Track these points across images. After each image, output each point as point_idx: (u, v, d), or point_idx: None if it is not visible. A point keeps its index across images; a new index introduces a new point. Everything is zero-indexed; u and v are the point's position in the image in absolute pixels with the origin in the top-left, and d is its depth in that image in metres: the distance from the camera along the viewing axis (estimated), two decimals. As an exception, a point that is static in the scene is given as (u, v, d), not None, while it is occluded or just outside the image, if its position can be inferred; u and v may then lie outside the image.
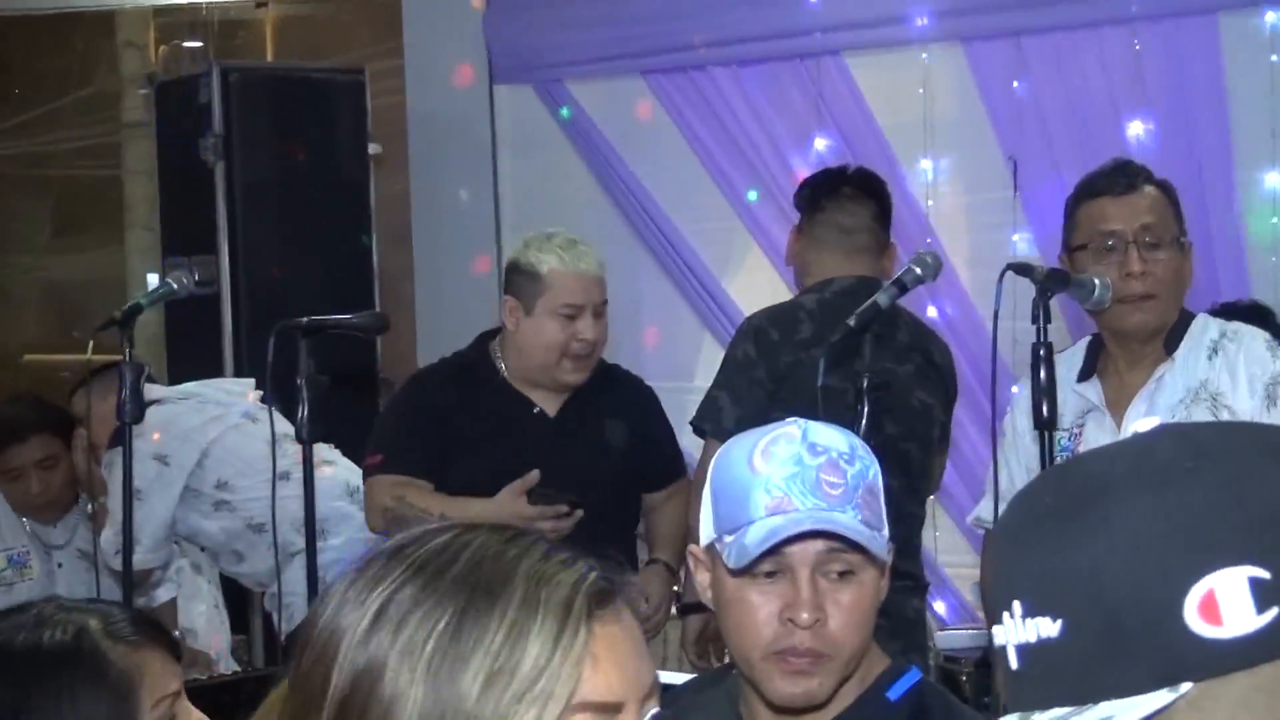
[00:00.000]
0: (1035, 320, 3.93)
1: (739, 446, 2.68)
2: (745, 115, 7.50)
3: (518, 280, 5.32)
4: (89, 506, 5.94)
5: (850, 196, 5.39)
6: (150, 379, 5.72)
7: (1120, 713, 1.31)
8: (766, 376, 5.14)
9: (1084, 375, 4.35)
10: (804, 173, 7.34)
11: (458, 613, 1.65)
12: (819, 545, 2.62)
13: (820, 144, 7.36)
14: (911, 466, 5.20)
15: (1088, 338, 4.45)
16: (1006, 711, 1.40)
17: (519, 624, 1.64)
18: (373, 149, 7.97)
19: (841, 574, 2.66)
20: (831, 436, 2.65)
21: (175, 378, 7.63)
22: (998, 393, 4.09)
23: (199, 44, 12.02)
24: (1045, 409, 3.89)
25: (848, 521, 2.60)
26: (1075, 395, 4.32)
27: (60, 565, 6.20)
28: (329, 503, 5.69)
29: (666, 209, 7.79)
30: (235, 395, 6.07)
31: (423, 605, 1.66)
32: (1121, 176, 4.37)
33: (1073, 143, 6.78)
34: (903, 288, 4.20)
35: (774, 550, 2.60)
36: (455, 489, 5.17)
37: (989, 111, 7.02)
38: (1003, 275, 3.94)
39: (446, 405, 5.31)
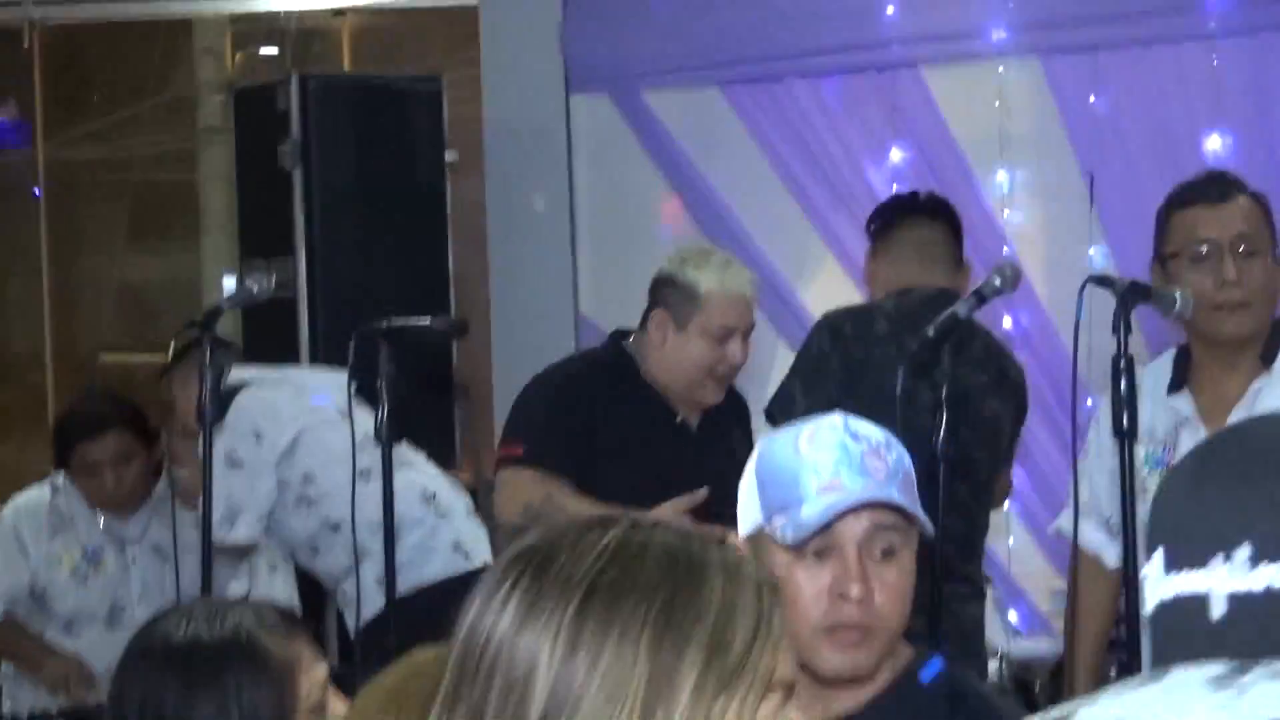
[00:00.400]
0: (1116, 332, 3.93)
1: (782, 437, 2.83)
2: (821, 126, 7.51)
3: (671, 295, 5.26)
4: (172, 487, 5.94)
5: (926, 214, 5.56)
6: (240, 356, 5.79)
7: None
8: (839, 368, 5.29)
9: (1174, 387, 4.34)
10: (879, 184, 7.36)
11: (670, 594, 1.71)
12: (865, 524, 2.73)
13: (896, 155, 7.37)
14: (980, 474, 5.29)
15: (1173, 350, 4.44)
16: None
17: (729, 606, 1.72)
18: (449, 156, 8.01)
19: (885, 552, 2.76)
20: (868, 428, 2.79)
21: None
22: (1078, 405, 4.09)
23: (275, 51, 12.09)
24: (1125, 420, 3.89)
25: (895, 497, 2.72)
26: (1166, 408, 4.30)
27: (134, 560, 6.24)
28: (403, 507, 5.73)
29: (742, 219, 7.79)
30: (328, 387, 6.06)
31: (632, 589, 1.71)
32: (1216, 185, 4.38)
33: (1150, 158, 6.78)
34: (982, 299, 4.21)
35: (823, 529, 2.70)
36: (593, 492, 5.13)
37: (1066, 126, 7.01)
38: (1084, 287, 3.95)
39: (594, 406, 5.28)
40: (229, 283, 9.70)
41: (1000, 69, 7.20)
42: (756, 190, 7.79)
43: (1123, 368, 3.91)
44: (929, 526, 2.79)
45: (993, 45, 7.17)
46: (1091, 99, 6.95)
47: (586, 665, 1.68)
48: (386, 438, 4.87)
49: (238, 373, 5.91)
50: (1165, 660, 1.27)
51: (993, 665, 6.48)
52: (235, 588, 6.16)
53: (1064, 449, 6.72)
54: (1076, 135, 6.97)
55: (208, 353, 5.22)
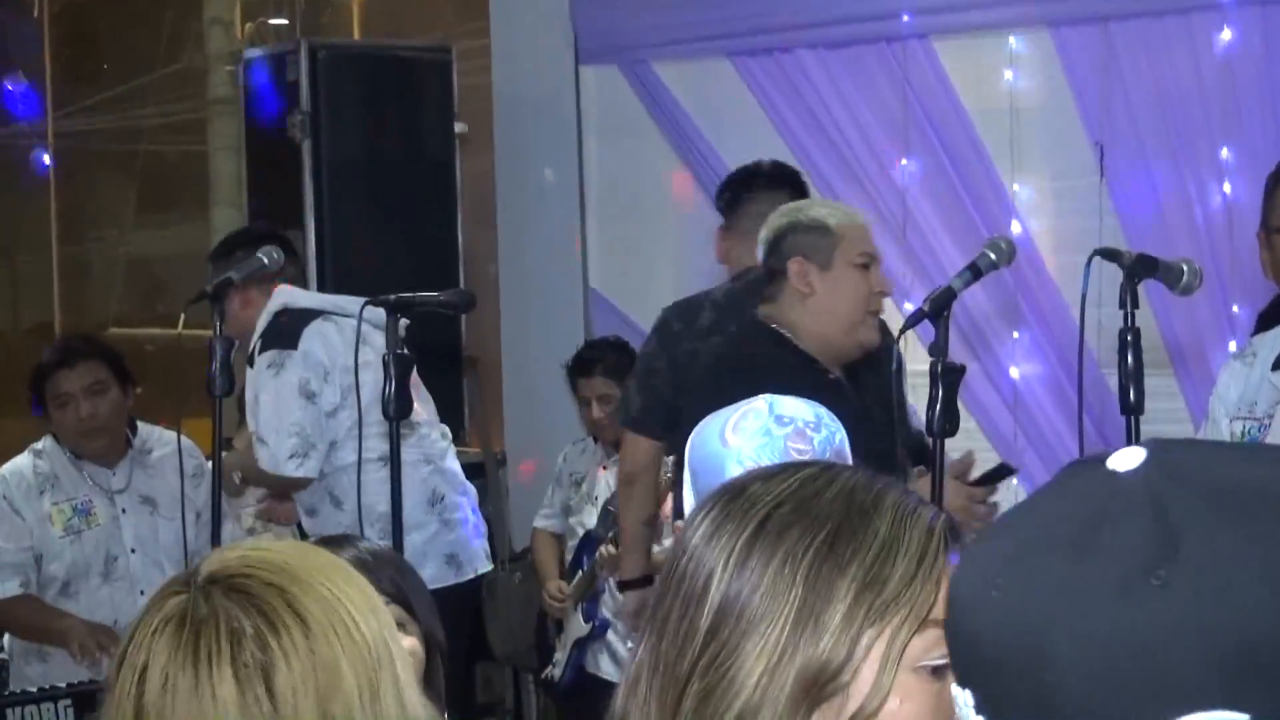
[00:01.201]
0: (1123, 306, 3.92)
1: (711, 424, 2.83)
2: (831, 98, 7.50)
3: (804, 239, 4.86)
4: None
5: (765, 186, 5.65)
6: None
7: None
8: (666, 367, 5.46)
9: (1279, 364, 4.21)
10: (890, 156, 7.35)
11: (835, 529, 1.86)
12: None
13: (905, 127, 7.35)
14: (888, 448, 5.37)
15: None
16: None
17: (891, 543, 1.85)
18: (459, 128, 8.01)
19: None
20: (797, 408, 2.81)
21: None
22: (1084, 377, 4.08)
23: (285, 21, 12.09)
24: (1133, 394, 3.89)
25: None
26: (1269, 384, 4.18)
27: (124, 510, 6.26)
28: (409, 506, 5.75)
29: (751, 191, 7.79)
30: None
31: (801, 521, 1.87)
32: None
33: (1160, 129, 6.75)
34: (977, 272, 4.21)
35: None
36: None
37: (1076, 97, 6.99)
38: (1090, 260, 3.93)
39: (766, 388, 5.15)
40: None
41: (1011, 40, 7.18)
42: (766, 162, 7.78)
43: (1129, 341, 3.91)
44: None
45: (1003, 16, 7.14)
46: (1102, 70, 6.93)
47: (751, 583, 1.84)
48: (395, 412, 4.87)
49: (305, 298, 5.93)
50: None
51: None
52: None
53: (1071, 421, 6.71)
54: (1087, 106, 6.95)
55: (218, 326, 5.23)
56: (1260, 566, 1.17)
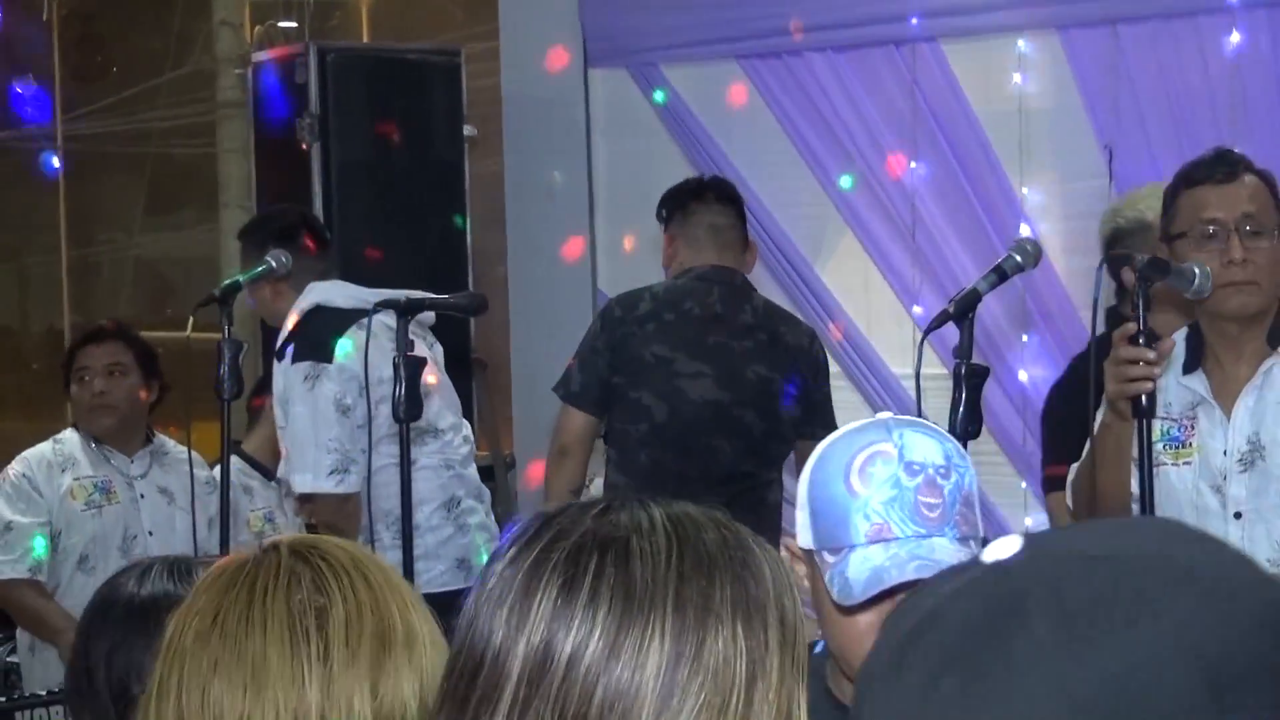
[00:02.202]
0: (1134, 308, 3.92)
1: (835, 461, 2.68)
2: (840, 100, 7.50)
3: (1136, 239, 5.09)
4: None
5: (717, 199, 6.10)
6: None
7: None
8: (604, 347, 5.93)
9: (1189, 367, 4.31)
10: (898, 158, 7.35)
11: (740, 571, 1.63)
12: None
13: (914, 130, 7.35)
14: (751, 431, 5.80)
15: (1184, 329, 4.42)
16: None
17: (778, 575, 1.66)
18: (468, 131, 8.01)
19: None
20: (927, 450, 2.64)
21: (269, 357, 7.69)
22: (1095, 380, 4.08)
23: (294, 24, 12.09)
24: (1144, 399, 3.89)
25: (945, 549, 2.59)
26: (1181, 387, 4.30)
27: (142, 496, 6.33)
28: (426, 509, 5.79)
29: (760, 193, 7.78)
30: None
31: (712, 574, 1.62)
32: (1222, 165, 4.35)
33: (1169, 132, 6.75)
34: (1002, 275, 4.19)
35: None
36: None
37: (1084, 99, 6.98)
38: (1102, 263, 3.93)
39: None
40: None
41: (1019, 43, 7.18)
42: (774, 164, 7.78)
43: (1141, 344, 3.90)
44: (980, 539, 2.67)
45: (1012, 19, 7.14)
46: (1111, 73, 6.92)
47: (690, 664, 1.57)
48: (405, 414, 4.86)
49: (340, 295, 5.89)
50: None
51: None
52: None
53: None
54: (1096, 109, 6.94)
55: (227, 329, 5.23)
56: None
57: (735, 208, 6.15)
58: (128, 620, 2.55)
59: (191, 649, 1.88)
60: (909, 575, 2.55)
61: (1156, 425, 4.20)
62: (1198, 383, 4.30)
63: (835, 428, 5.90)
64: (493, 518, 6.27)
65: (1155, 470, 4.18)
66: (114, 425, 6.30)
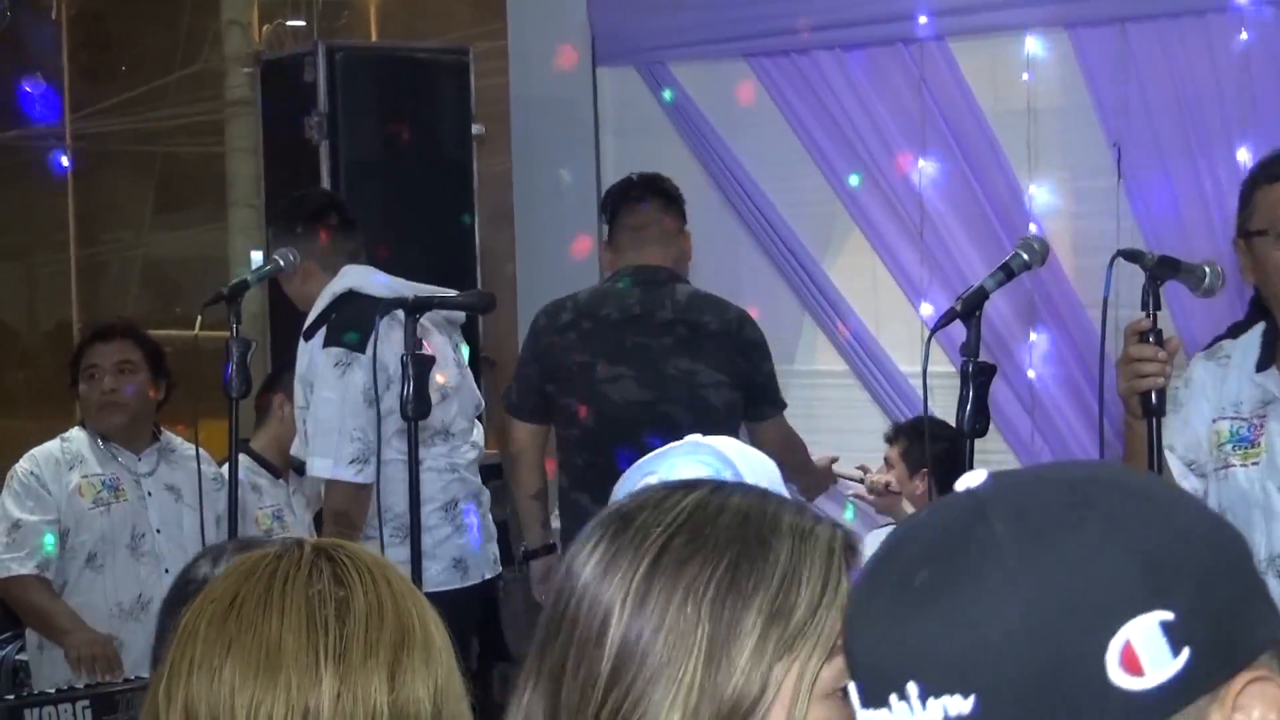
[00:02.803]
0: (1145, 307, 3.91)
1: (622, 489, 2.59)
2: (848, 99, 7.49)
3: None
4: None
5: (636, 198, 6.26)
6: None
7: None
8: (532, 357, 6.21)
9: (1262, 365, 4.21)
10: (907, 156, 7.34)
11: (734, 559, 1.77)
12: None
13: (923, 129, 7.34)
14: (679, 426, 5.61)
15: (1261, 325, 4.34)
16: None
17: (793, 570, 1.78)
18: (476, 129, 8.01)
19: None
20: (692, 475, 2.65)
21: (278, 355, 7.71)
22: (1105, 380, 4.07)
23: (302, 23, 12.10)
24: (1154, 397, 3.88)
25: None
26: (1253, 385, 4.19)
27: (150, 494, 6.34)
28: (425, 510, 5.79)
29: (768, 191, 7.79)
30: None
31: (700, 552, 1.78)
32: None
33: (1178, 131, 6.74)
34: (1010, 273, 4.19)
35: None
36: None
37: (1093, 98, 6.97)
38: (1113, 261, 3.92)
39: None
40: (256, 257, 9.70)
41: (1028, 41, 7.17)
42: (782, 163, 7.77)
43: (1152, 343, 3.90)
44: None
45: (1021, 17, 7.13)
46: (1120, 72, 6.92)
47: (653, 623, 1.75)
48: (413, 412, 4.86)
49: (373, 283, 5.89)
50: None
51: None
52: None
53: (1091, 425, 6.70)
54: (1104, 108, 6.93)
55: (235, 328, 5.23)
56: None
57: (659, 201, 6.29)
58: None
59: (206, 632, 1.88)
60: None
61: (1225, 424, 4.16)
62: (1271, 381, 4.20)
63: (780, 404, 6.14)
64: (490, 518, 6.28)
65: (1224, 472, 4.15)
66: (124, 423, 6.31)
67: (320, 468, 5.74)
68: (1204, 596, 1.30)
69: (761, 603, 1.75)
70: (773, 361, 6.28)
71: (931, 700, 1.29)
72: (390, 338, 5.65)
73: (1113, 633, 1.27)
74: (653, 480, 2.64)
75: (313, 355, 5.80)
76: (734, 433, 6.08)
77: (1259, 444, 4.18)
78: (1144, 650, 1.27)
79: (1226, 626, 1.30)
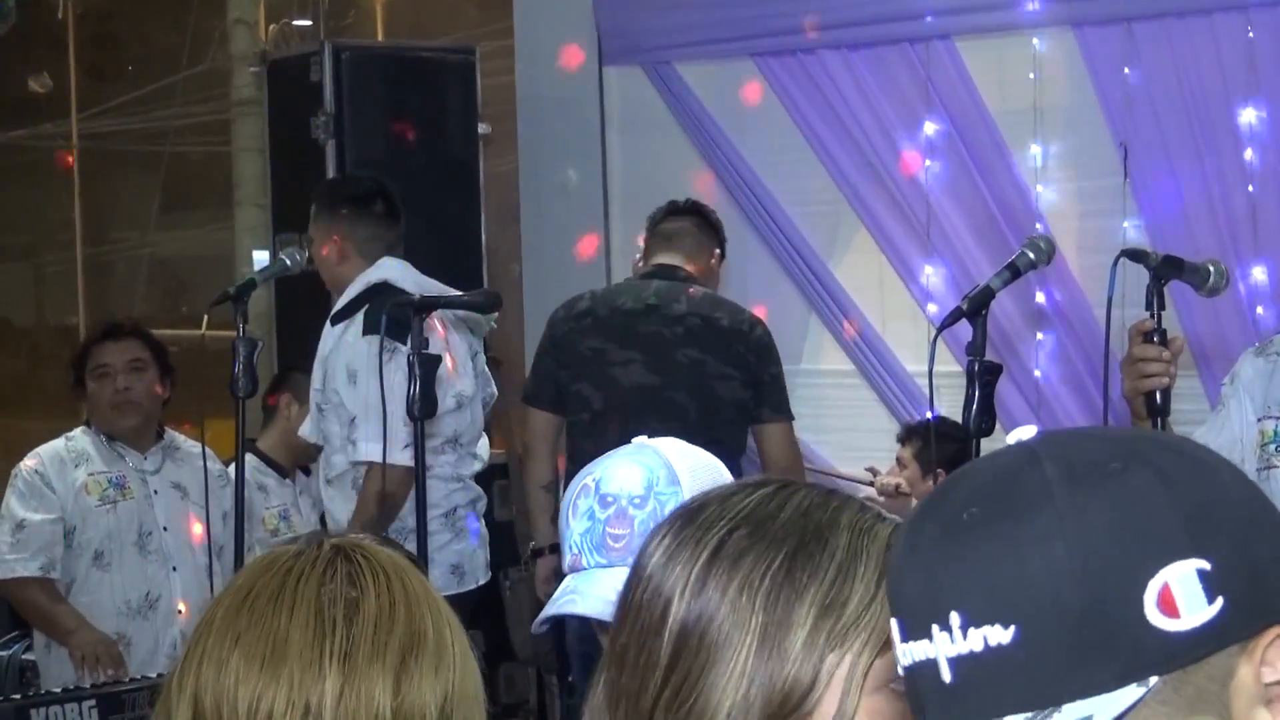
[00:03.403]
0: (1149, 307, 3.91)
1: (568, 495, 2.74)
2: (854, 99, 7.49)
3: None
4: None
5: (675, 211, 6.49)
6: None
7: (1097, 711, 1.32)
8: (550, 346, 6.32)
9: None
10: (913, 157, 7.34)
11: (791, 552, 1.82)
12: None
13: (929, 128, 7.34)
14: (686, 412, 6.02)
15: None
16: None
17: (849, 564, 1.82)
18: (482, 129, 8.01)
19: None
20: (626, 480, 2.66)
21: (284, 355, 7.72)
22: (1109, 380, 4.07)
23: (308, 22, 12.10)
24: (1159, 396, 3.88)
25: (615, 580, 2.37)
26: None
27: (156, 492, 6.32)
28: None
29: (774, 191, 7.79)
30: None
31: (758, 544, 1.82)
32: None
33: (1184, 130, 6.74)
34: (1016, 272, 4.19)
35: None
36: None
37: (1100, 97, 6.97)
38: (1117, 261, 3.92)
39: None
40: (260, 257, 9.70)
41: (1034, 41, 7.17)
42: (789, 163, 7.78)
43: (1156, 342, 3.90)
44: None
45: (1027, 17, 7.13)
46: (1125, 71, 6.91)
47: (709, 611, 1.79)
48: (419, 413, 4.86)
49: (408, 280, 5.89)
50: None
51: None
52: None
53: (1095, 422, 6.70)
54: (1110, 107, 6.93)
55: (242, 327, 5.24)
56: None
57: (697, 219, 6.49)
58: None
59: (219, 624, 1.89)
60: (557, 610, 2.61)
61: (1269, 424, 4.15)
62: None
63: (786, 411, 6.20)
64: (483, 522, 6.28)
65: (1267, 473, 4.12)
66: (137, 423, 6.30)
67: (372, 452, 5.69)
68: (1240, 553, 1.36)
69: (815, 595, 1.79)
70: (782, 370, 6.27)
71: (973, 630, 1.35)
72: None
73: (1152, 574, 1.33)
74: (589, 482, 2.69)
75: (343, 339, 5.81)
76: (741, 431, 6.11)
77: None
78: (1181, 594, 1.33)
79: (1260, 583, 1.36)
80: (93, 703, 5.35)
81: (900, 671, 1.43)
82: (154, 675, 5.62)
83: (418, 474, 4.92)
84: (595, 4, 8.21)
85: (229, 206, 12.56)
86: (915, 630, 1.40)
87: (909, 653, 1.40)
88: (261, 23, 12.53)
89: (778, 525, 1.84)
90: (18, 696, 5.58)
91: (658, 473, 2.69)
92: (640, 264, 6.52)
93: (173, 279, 14.15)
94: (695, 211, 6.53)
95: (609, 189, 8.29)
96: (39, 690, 5.87)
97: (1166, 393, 3.91)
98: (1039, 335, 7.13)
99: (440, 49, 8.25)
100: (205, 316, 5.63)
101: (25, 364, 14.84)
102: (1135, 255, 4.02)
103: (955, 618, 1.36)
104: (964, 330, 4.19)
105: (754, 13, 7.73)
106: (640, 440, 2.76)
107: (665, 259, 6.32)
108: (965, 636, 1.35)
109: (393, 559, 1.95)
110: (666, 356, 6.12)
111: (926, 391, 4.47)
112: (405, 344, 5.48)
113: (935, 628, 1.37)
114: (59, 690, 5.52)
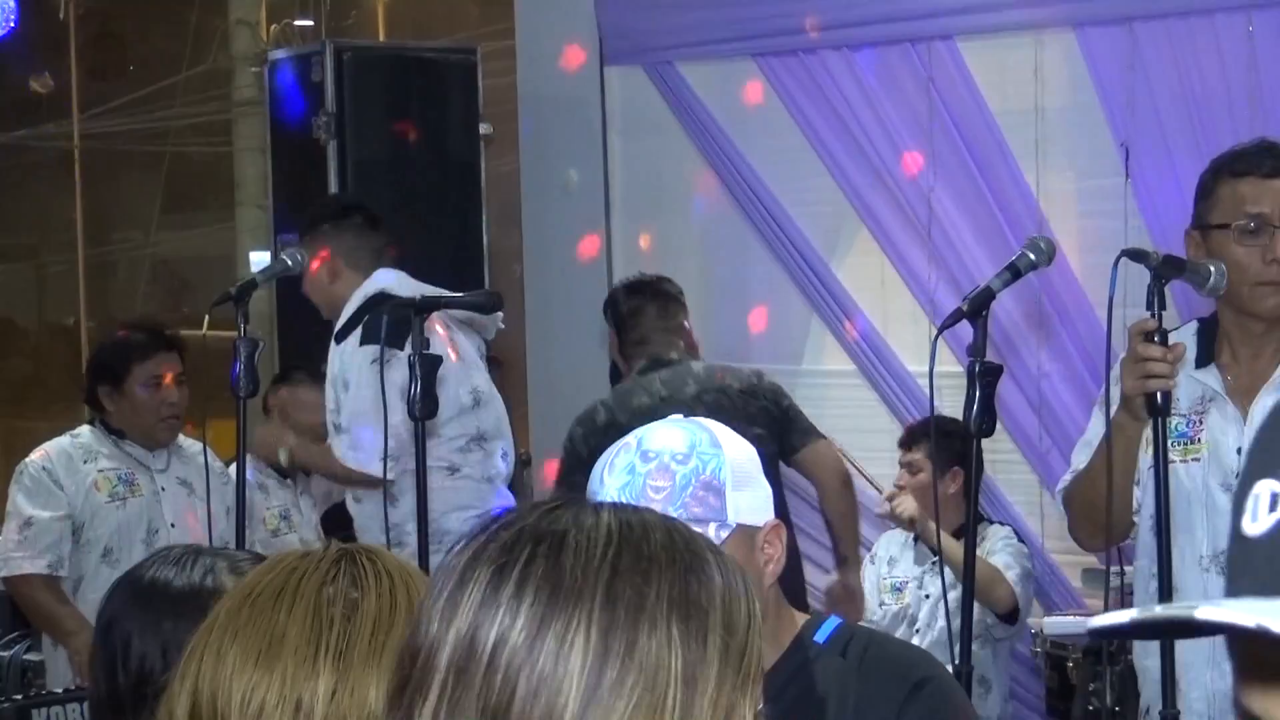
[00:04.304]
0: (1150, 306, 3.90)
1: (597, 465, 2.82)
2: (856, 99, 7.49)
3: None
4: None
5: (635, 309, 6.34)
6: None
7: None
8: (577, 464, 5.96)
9: (1201, 361, 4.25)
10: (914, 156, 7.34)
11: (684, 575, 1.56)
12: None
13: (931, 128, 7.34)
14: None
15: (1194, 323, 4.37)
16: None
17: (730, 586, 1.59)
18: (484, 129, 8.01)
19: None
20: (668, 439, 2.76)
21: (285, 355, 7.72)
22: (1111, 378, 4.07)
23: (310, 22, 12.10)
24: (1160, 397, 3.88)
25: (678, 512, 2.66)
26: (1192, 380, 4.22)
27: (163, 489, 6.33)
28: (450, 524, 5.83)
29: (775, 191, 7.79)
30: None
31: (650, 575, 1.55)
32: (1269, 158, 4.25)
33: (1185, 130, 6.74)
34: (1017, 272, 4.18)
35: None
36: None
37: (1101, 97, 6.98)
38: (1118, 261, 3.91)
39: None
40: (261, 257, 9.71)
41: (1036, 41, 7.17)
42: (790, 163, 7.78)
43: (1156, 342, 3.89)
44: (729, 525, 2.77)
45: (1028, 17, 7.14)
46: (1128, 71, 6.92)
47: (620, 661, 1.51)
48: (420, 412, 4.85)
49: (404, 287, 5.90)
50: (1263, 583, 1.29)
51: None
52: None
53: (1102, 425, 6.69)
54: (1112, 107, 6.94)
55: (243, 328, 5.23)
56: None
57: (657, 304, 6.37)
58: (131, 604, 2.57)
59: (222, 619, 1.90)
60: None
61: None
62: (1211, 377, 4.23)
63: (812, 431, 6.18)
64: None
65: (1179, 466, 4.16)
66: (172, 437, 6.33)
67: (353, 459, 5.74)
68: None
69: (715, 620, 1.56)
70: (794, 400, 6.28)
71: None
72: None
73: None
74: (630, 441, 2.73)
75: (346, 355, 5.83)
76: (775, 483, 6.07)
77: (1199, 440, 4.20)
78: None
79: None
80: (94, 703, 5.35)
81: (1261, 534, 1.29)
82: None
83: (418, 475, 4.91)
84: (597, 4, 8.21)
85: (230, 207, 12.56)
86: (1269, 469, 1.28)
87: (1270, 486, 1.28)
88: (263, 23, 12.53)
89: (654, 547, 1.57)
90: (19, 697, 5.58)
91: (700, 436, 2.78)
92: (623, 362, 6.46)
93: (174, 279, 14.15)
94: (654, 295, 6.44)
95: (610, 189, 8.29)
96: (41, 691, 5.87)
97: (1168, 394, 3.91)
98: (1040, 335, 7.13)
99: (442, 49, 8.25)
100: (206, 317, 5.61)
101: (26, 364, 14.84)
102: (1136, 255, 4.01)
103: None
104: (965, 331, 4.18)
105: (755, 13, 7.73)
106: (677, 417, 2.84)
107: (653, 349, 6.27)
108: None
109: (400, 564, 1.95)
110: None
111: (927, 392, 4.46)
112: (404, 349, 5.49)
113: None
114: (60, 691, 5.53)
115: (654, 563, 1.55)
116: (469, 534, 1.62)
